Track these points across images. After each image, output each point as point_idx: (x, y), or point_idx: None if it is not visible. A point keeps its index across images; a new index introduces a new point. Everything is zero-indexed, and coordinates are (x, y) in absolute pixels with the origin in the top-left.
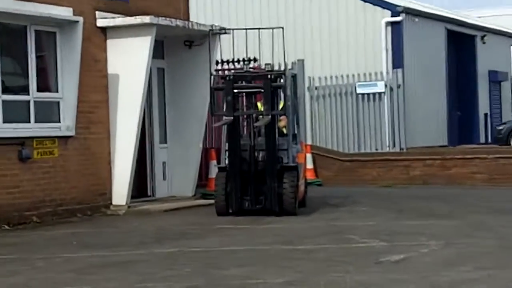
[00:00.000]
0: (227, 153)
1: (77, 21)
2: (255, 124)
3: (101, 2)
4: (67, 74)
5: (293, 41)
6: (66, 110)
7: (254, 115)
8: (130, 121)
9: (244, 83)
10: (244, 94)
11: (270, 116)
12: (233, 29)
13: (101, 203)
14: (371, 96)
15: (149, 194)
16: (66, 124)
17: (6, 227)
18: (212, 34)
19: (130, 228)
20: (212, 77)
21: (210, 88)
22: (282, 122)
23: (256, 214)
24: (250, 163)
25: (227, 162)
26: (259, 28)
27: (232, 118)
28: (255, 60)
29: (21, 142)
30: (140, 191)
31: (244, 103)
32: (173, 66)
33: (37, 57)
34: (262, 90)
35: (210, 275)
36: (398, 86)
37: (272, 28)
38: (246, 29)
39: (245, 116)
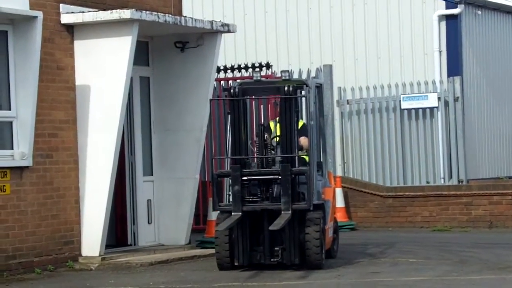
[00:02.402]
0: (231, 187)
1: (36, 17)
2: (270, 228)
3: None
4: (22, 86)
5: (318, 42)
6: (20, 132)
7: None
8: (105, 146)
9: (257, 140)
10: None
11: (290, 212)
12: (238, 98)
13: (67, 254)
14: (420, 112)
15: (129, 242)
16: (21, 151)
17: None
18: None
19: None
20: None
21: (212, 174)
22: (302, 142)
23: (270, 267)
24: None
25: (231, 199)
26: (277, 97)
27: (240, 214)
28: (268, 66)
29: None
30: (118, 239)
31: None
32: (161, 75)
33: None
34: (279, 177)
35: None
36: (456, 99)
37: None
38: (259, 98)
39: (254, 140)
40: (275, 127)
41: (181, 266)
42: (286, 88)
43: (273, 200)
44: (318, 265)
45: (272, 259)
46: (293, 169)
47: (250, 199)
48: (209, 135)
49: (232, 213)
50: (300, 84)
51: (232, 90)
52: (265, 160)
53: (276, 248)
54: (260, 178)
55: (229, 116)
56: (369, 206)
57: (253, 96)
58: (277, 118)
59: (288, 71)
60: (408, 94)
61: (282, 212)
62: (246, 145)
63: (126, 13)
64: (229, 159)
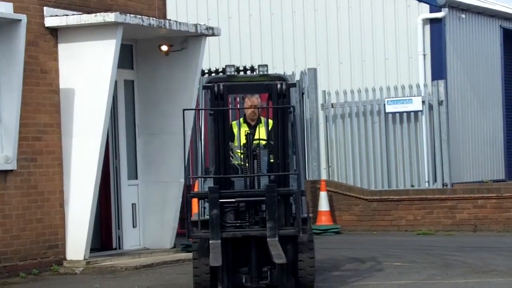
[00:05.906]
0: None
1: (19, 20)
2: (277, 262)
3: None
4: (6, 90)
5: (302, 45)
6: (4, 136)
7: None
8: (90, 150)
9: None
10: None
11: (277, 239)
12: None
13: (52, 258)
14: (404, 116)
15: (114, 246)
16: (5, 155)
17: None
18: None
19: None
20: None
21: (186, 196)
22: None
23: None
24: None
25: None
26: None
27: (219, 242)
28: (252, 69)
29: None
30: (102, 243)
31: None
32: (146, 78)
33: None
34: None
35: None
36: (440, 103)
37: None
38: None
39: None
40: (239, 131)
41: (166, 270)
42: (279, 86)
43: (256, 223)
44: (310, 286)
45: (260, 282)
46: (280, 189)
47: (230, 224)
48: (194, 145)
49: (210, 241)
50: (278, 80)
51: (216, 88)
52: (251, 174)
53: (264, 269)
54: (242, 200)
55: (211, 117)
56: (353, 209)
57: (238, 95)
58: (241, 119)
59: (266, 65)
60: (393, 97)
61: (268, 239)
62: (227, 155)
63: (110, 16)
64: (204, 165)
